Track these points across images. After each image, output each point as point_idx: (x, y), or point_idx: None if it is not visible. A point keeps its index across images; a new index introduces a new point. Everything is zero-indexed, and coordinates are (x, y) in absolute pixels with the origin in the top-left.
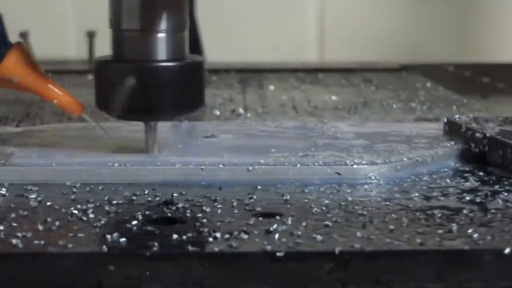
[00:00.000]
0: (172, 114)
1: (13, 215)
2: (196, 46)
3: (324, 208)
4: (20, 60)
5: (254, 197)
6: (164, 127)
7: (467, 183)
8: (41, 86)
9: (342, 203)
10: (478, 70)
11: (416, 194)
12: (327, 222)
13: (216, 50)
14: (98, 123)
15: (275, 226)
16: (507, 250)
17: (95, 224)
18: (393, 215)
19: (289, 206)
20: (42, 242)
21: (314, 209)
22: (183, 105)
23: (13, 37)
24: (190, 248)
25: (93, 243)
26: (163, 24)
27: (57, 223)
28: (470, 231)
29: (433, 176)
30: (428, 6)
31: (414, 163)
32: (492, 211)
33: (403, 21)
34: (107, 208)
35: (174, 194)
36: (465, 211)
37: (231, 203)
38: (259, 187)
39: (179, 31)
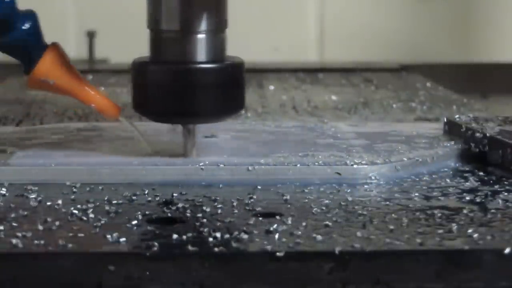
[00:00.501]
0: (212, 117)
1: (13, 215)
2: None
3: (324, 208)
4: (56, 61)
5: (254, 197)
6: (162, 127)
7: (467, 183)
8: (77, 88)
9: (342, 203)
10: (478, 70)
11: (416, 194)
12: (327, 222)
13: None
14: (135, 125)
15: (275, 226)
16: (507, 250)
17: (95, 224)
18: (393, 215)
19: (289, 206)
20: (42, 242)
21: (314, 209)
22: (223, 108)
23: None
24: (190, 248)
25: (93, 243)
26: (203, 25)
27: (57, 223)
28: (470, 231)
29: (433, 176)
30: (428, 6)
31: (414, 163)
32: (492, 211)
33: (403, 21)
34: (107, 208)
35: (174, 194)
36: (465, 211)
37: (231, 203)
38: (259, 187)
39: (219, 31)
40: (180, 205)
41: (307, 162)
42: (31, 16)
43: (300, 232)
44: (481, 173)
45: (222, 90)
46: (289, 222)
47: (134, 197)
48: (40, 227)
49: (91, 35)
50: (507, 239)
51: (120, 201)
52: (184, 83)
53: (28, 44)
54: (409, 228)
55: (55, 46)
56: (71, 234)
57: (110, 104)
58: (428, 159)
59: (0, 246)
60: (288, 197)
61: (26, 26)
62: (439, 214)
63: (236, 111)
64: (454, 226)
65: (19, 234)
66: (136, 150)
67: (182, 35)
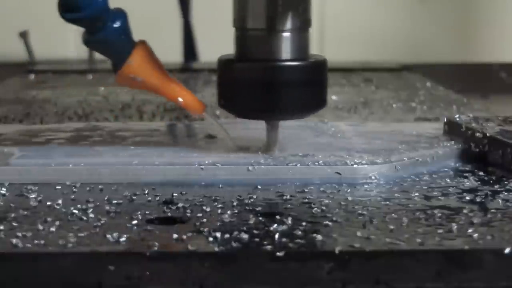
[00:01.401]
0: (296, 113)
1: (13, 215)
2: (190, 48)
3: (324, 208)
4: (145, 59)
5: (254, 197)
6: (162, 127)
7: (467, 183)
8: (164, 85)
9: (342, 203)
10: (478, 70)
11: (416, 194)
12: (327, 222)
13: (216, 50)
14: (219, 122)
15: (275, 226)
16: (507, 250)
17: (95, 224)
18: (393, 215)
19: (289, 206)
20: (42, 242)
21: (314, 209)
22: (306, 104)
23: (13, 37)
24: (190, 248)
25: (93, 243)
26: (289, 24)
27: (57, 223)
28: (470, 231)
29: (433, 176)
30: (428, 6)
31: (414, 163)
32: (492, 211)
33: (403, 21)
34: (107, 208)
35: (174, 194)
36: (465, 211)
37: (231, 203)
38: (259, 187)
39: (304, 30)
40: (180, 205)
41: (307, 162)
42: (121, 14)
43: (300, 232)
44: (481, 173)
45: (306, 87)
46: (289, 222)
47: (134, 197)
48: (40, 227)
49: None
50: (507, 239)
51: (120, 201)
52: (270, 80)
53: (118, 42)
54: (409, 228)
55: (143, 43)
56: (71, 234)
57: (195, 101)
58: (428, 159)
59: (0, 246)
60: (288, 197)
61: (117, 24)
62: (439, 214)
63: (318, 107)
64: (454, 226)
65: (19, 234)
66: (221, 146)
67: (268, 33)
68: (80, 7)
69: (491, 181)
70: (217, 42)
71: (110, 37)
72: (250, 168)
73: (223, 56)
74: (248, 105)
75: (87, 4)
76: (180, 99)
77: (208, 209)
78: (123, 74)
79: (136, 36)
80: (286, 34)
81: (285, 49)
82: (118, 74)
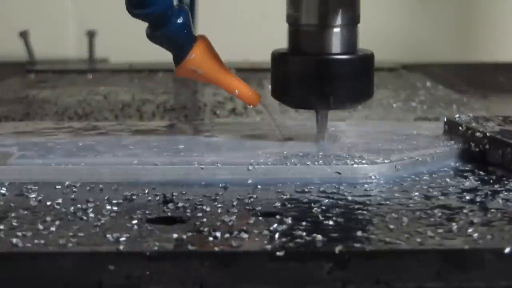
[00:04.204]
0: (345, 103)
1: (13, 214)
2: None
3: (324, 208)
4: (206, 53)
5: (254, 196)
6: (162, 127)
7: (467, 183)
8: (223, 78)
9: (342, 203)
10: (478, 70)
11: (416, 194)
12: (327, 222)
13: (216, 49)
14: (271, 113)
15: (275, 226)
16: (507, 250)
17: (95, 224)
18: (393, 214)
19: (289, 206)
20: (42, 242)
21: (314, 209)
22: (354, 95)
23: (13, 37)
24: (190, 248)
25: (93, 243)
26: (339, 19)
27: (57, 222)
28: (470, 230)
29: (433, 175)
30: (428, 5)
31: (414, 163)
32: (492, 210)
33: (403, 21)
34: (107, 207)
35: (174, 194)
36: (465, 211)
37: (231, 202)
38: (259, 187)
39: (353, 25)
40: (180, 204)
41: (307, 161)
42: (184, 11)
43: (300, 232)
44: (481, 173)
45: (355, 79)
46: (289, 222)
47: (134, 197)
48: (40, 227)
49: (91, 35)
50: (507, 239)
51: (120, 201)
52: (322, 73)
53: (181, 37)
54: (409, 228)
55: (203, 38)
56: (71, 234)
57: (251, 93)
58: (428, 159)
59: (0, 246)
60: (288, 197)
61: (181, 20)
62: (439, 214)
63: (366, 98)
64: (454, 226)
65: (19, 234)
66: (270, 135)
67: (320, 29)
68: (148, 3)
69: (491, 181)
70: (217, 42)
71: (173, 32)
72: (250, 168)
73: (276, 50)
74: (301, 96)
75: (154, 1)
76: (237, 91)
77: (208, 209)
78: (185, 67)
79: (137, 36)
80: (337, 30)
81: (335, 44)
82: (179, 67)
